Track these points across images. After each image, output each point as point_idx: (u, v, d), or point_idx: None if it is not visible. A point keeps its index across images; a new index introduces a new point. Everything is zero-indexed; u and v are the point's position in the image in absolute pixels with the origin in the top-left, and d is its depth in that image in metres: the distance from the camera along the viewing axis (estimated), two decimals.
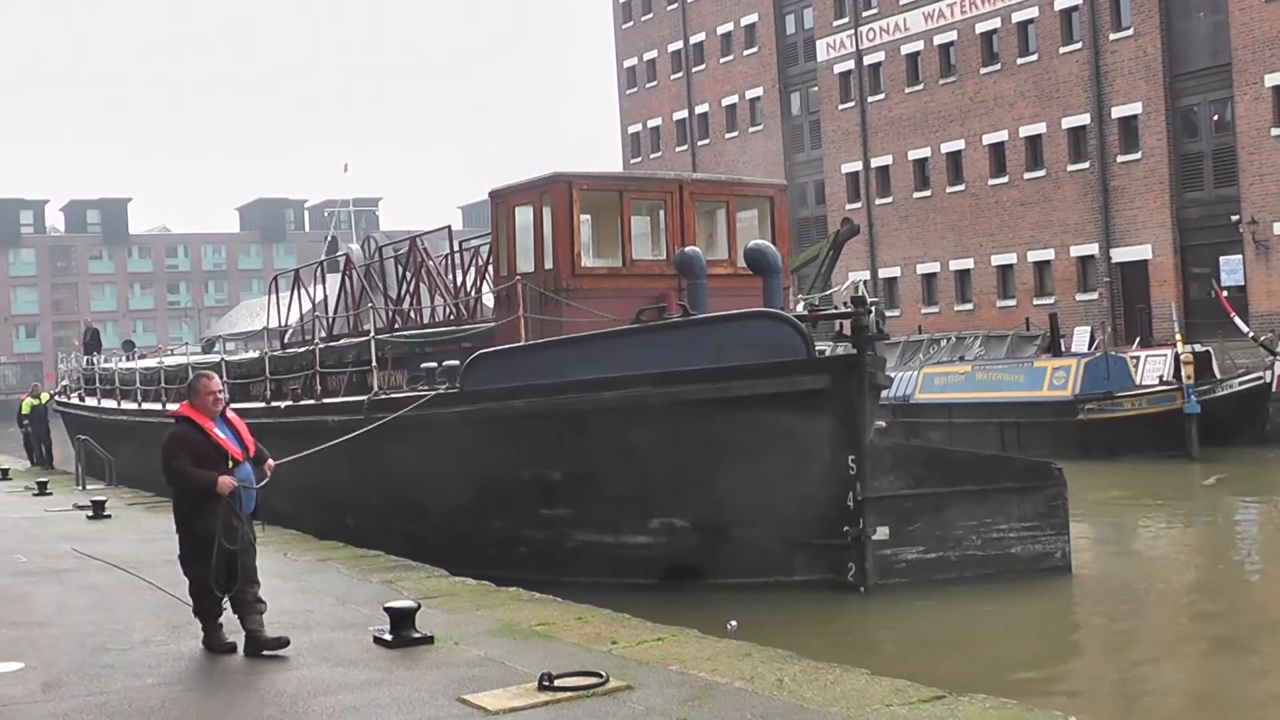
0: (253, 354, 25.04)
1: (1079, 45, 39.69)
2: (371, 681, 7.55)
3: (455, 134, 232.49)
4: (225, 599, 8.30)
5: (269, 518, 12.04)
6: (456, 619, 9.43)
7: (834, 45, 48.93)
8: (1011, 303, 42.03)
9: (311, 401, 17.73)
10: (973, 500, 12.88)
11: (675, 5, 58.40)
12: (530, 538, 13.76)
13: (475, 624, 9.26)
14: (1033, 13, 41.09)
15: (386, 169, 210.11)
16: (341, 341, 19.92)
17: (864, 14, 47.33)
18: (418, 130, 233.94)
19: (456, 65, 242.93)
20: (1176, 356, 25.85)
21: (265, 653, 8.18)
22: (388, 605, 8.70)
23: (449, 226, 20.01)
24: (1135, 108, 38.21)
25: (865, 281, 43.58)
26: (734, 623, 10.16)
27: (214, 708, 7.17)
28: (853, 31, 47.80)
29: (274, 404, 18.81)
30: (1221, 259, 36.57)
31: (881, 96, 46.89)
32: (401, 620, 8.50)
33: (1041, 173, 41.07)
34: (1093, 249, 39.62)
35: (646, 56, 60.66)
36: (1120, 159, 38.69)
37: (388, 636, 8.47)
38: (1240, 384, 25.94)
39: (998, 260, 42.61)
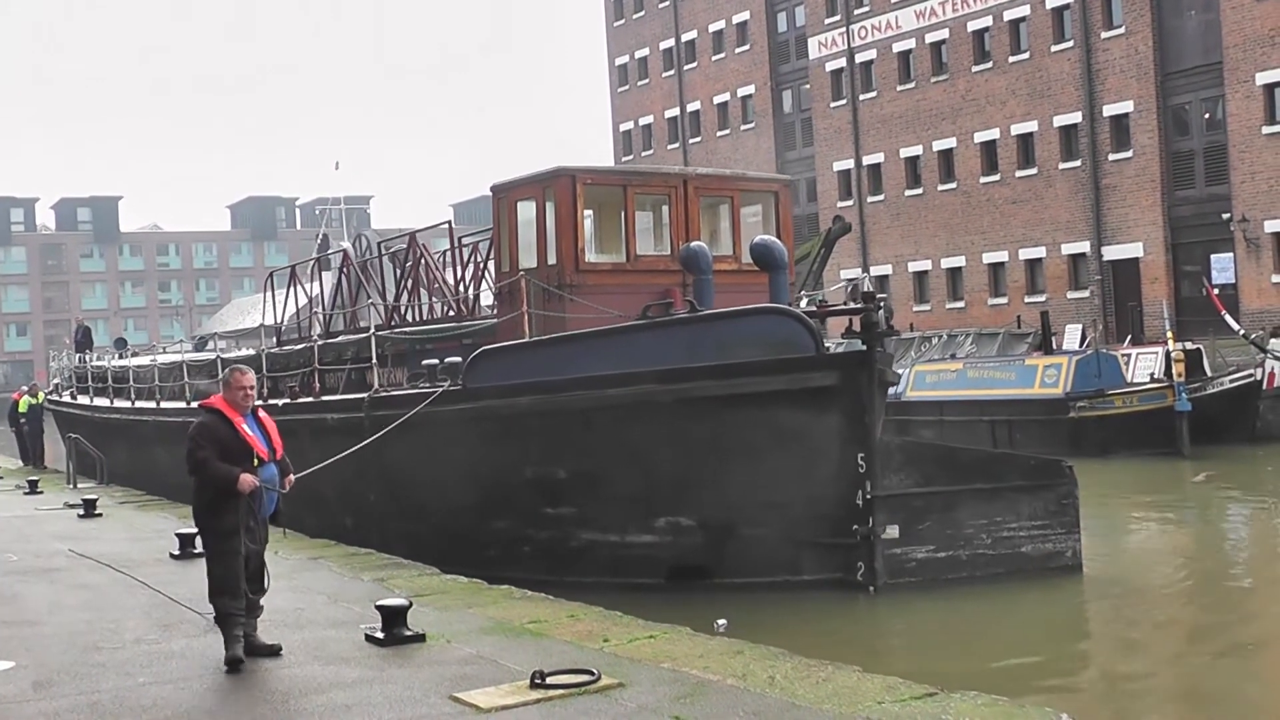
0: (247, 351, 24.92)
1: (1070, 43, 39.73)
2: (363, 680, 7.54)
3: (446, 132, 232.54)
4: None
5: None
6: (448, 617, 9.42)
7: (826, 43, 48.94)
8: (1003, 300, 42.06)
9: (310, 399, 17.40)
10: (983, 499, 12.70)
11: (667, 3, 58.33)
12: (534, 537, 13.56)
13: (467, 622, 9.25)
14: (1024, 11, 41.12)
15: (377, 167, 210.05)
16: (340, 338, 19.68)
17: (856, 12, 47.33)
18: (409, 128, 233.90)
19: (447, 64, 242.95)
20: (1168, 354, 25.86)
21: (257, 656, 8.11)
22: (379, 603, 8.69)
23: (449, 222, 19.78)
24: (1127, 106, 38.25)
25: (867, 277, 43.46)
26: (722, 622, 10.05)
27: (205, 706, 7.16)
28: (844, 29, 47.81)
29: (271, 401, 18.68)
30: (1212, 257, 36.59)
31: (873, 94, 46.90)
32: (393, 618, 8.50)
33: (1033, 171, 41.11)
34: (1084, 247, 39.66)
35: (638, 54, 60.59)
36: (1112, 157, 38.73)
37: (379, 634, 8.46)
38: (1231, 382, 26.00)
39: (989, 258, 42.65)
